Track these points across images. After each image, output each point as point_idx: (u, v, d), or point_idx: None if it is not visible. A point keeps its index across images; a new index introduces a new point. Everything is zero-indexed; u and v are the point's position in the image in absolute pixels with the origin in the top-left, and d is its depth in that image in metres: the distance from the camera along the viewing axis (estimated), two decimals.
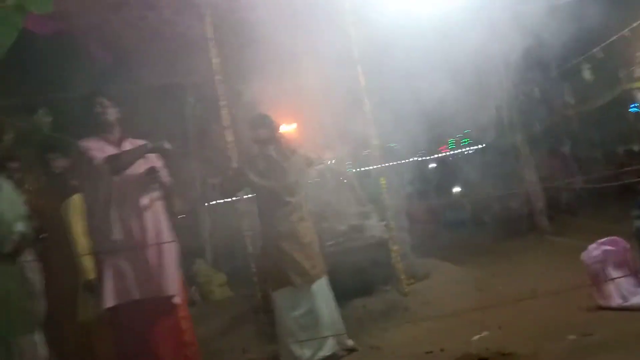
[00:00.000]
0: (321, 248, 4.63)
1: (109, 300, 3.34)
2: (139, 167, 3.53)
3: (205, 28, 6.06)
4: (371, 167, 7.21)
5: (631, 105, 9.43)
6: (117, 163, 3.43)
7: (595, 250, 4.30)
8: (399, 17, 5.74)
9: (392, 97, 6.05)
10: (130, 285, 3.37)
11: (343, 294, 4.95)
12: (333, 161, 7.41)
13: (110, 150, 3.52)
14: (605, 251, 4.24)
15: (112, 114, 3.62)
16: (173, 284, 3.51)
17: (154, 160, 3.65)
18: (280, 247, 4.29)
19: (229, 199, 5.07)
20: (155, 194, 3.59)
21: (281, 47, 5.99)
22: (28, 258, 3.74)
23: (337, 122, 6.14)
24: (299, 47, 5.79)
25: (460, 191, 12.61)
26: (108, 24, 6.20)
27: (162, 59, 6.59)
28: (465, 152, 14.59)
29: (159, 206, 3.62)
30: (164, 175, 3.70)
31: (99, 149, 3.47)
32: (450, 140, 15.52)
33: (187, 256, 5.39)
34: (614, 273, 4.16)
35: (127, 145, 3.62)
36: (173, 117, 7.91)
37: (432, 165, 15.47)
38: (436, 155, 15.29)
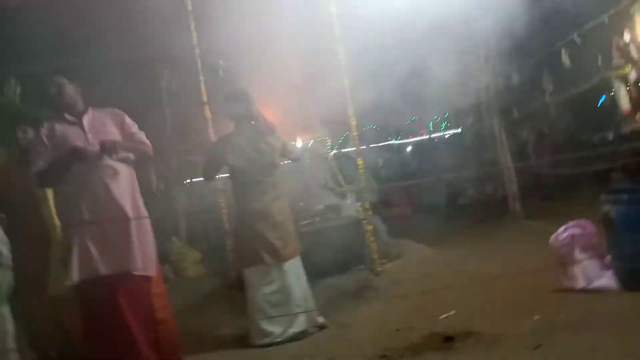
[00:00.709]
0: (296, 227, 4.63)
1: (78, 275, 3.32)
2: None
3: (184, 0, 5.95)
4: (350, 149, 7.22)
5: (606, 93, 9.55)
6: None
7: (563, 233, 4.38)
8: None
9: (372, 78, 6.04)
10: (99, 261, 3.34)
11: (317, 273, 4.99)
12: (312, 141, 7.41)
13: (68, 130, 3.47)
14: (573, 234, 4.32)
15: (68, 92, 3.52)
16: (144, 260, 3.48)
17: (113, 132, 3.56)
18: (252, 226, 4.28)
19: (211, 181, 4.98)
20: (124, 166, 3.53)
21: (262, 22, 5.93)
22: None
23: (317, 102, 6.12)
24: (280, 23, 5.74)
25: (437, 174, 12.71)
26: None
27: (137, 31, 6.45)
28: (443, 136, 14.68)
29: (129, 180, 3.57)
30: (139, 140, 3.65)
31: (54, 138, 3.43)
32: (430, 123, 15.60)
33: (162, 233, 5.34)
34: (580, 256, 4.25)
35: (88, 118, 3.55)
36: (148, 92, 7.79)
37: (409, 148, 15.59)
38: (414, 139, 15.37)
